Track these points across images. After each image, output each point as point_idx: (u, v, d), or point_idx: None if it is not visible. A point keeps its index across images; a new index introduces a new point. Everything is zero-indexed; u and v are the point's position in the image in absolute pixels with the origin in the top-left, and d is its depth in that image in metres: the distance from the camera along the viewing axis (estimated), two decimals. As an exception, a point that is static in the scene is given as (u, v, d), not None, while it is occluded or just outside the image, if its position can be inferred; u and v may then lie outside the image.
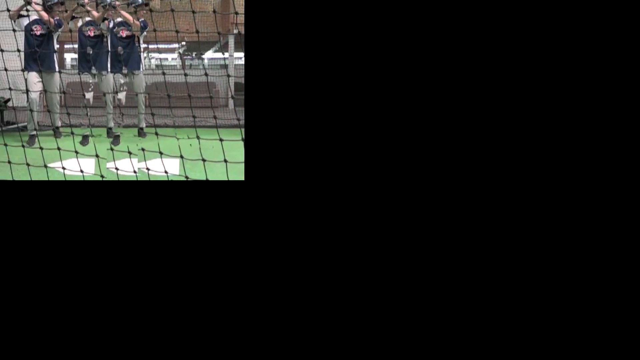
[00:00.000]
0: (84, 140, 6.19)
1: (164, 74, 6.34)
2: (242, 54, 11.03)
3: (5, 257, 3.37)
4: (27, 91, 6.61)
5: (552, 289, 3.07)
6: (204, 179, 4.19)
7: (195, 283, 3.24)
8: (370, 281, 3.13)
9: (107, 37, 7.51)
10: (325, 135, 3.13)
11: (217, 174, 4.12)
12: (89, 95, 7.61)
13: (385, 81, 3.09)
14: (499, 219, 3.08)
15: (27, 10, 6.71)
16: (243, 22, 3.32)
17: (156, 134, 4.67)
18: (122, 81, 7.60)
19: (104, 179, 4.49)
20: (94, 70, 7.55)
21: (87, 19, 7.57)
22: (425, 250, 3.10)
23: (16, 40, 5.67)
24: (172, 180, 4.39)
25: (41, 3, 7.27)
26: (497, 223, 3.08)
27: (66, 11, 7.45)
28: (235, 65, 11.32)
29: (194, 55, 12.21)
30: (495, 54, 3.03)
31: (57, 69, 7.31)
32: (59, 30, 7.32)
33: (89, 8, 7.42)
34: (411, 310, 3.08)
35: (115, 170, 4.72)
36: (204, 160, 4.13)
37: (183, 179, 4.25)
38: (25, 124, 7.46)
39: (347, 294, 3.13)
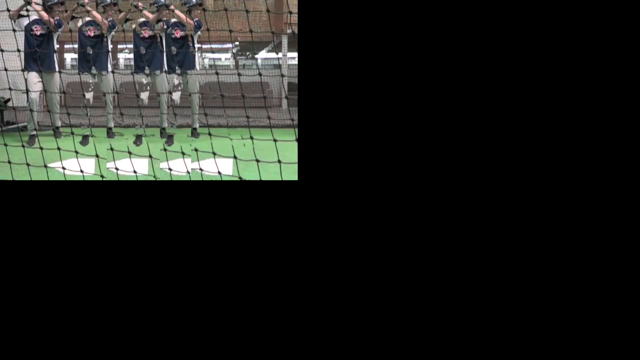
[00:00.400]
0: (84, 140, 6.18)
1: (217, 74, 6.40)
2: (295, 54, 11.04)
3: (5, 256, 3.36)
4: (27, 91, 6.59)
5: (554, 288, 3.07)
6: (258, 179, 4.19)
7: (247, 283, 3.22)
8: (428, 281, 3.11)
9: (160, 37, 7.48)
10: (378, 135, 3.11)
11: (270, 174, 4.13)
12: (89, 95, 7.60)
13: (439, 80, 3.07)
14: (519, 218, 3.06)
15: (27, 10, 6.70)
16: (296, 21, 3.32)
17: (209, 134, 4.67)
18: (176, 82, 7.56)
19: (104, 179, 4.49)
20: (94, 70, 7.53)
21: (87, 19, 7.55)
22: (479, 249, 3.07)
23: (16, 40, 5.67)
24: (225, 181, 4.41)
25: (41, 3, 7.26)
26: (519, 222, 3.07)
27: (66, 11, 7.43)
28: (288, 65, 11.30)
29: (247, 55, 12.21)
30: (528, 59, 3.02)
31: (57, 69, 7.30)
32: (59, 30, 7.30)
33: (89, 8, 7.40)
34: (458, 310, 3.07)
35: (115, 170, 4.72)
36: (257, 160, 4.17)
37: (236, 179, 4.22)
38: (25, 124, 7.45)
39: (402, 294, 3.11)
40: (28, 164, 4.51)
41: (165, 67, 7.47)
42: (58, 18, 7.24)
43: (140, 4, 7.52)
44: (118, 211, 3.46)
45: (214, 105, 6.95)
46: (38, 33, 7.23)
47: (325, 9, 3.12)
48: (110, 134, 7.76)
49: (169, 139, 7.02)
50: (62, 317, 3.27)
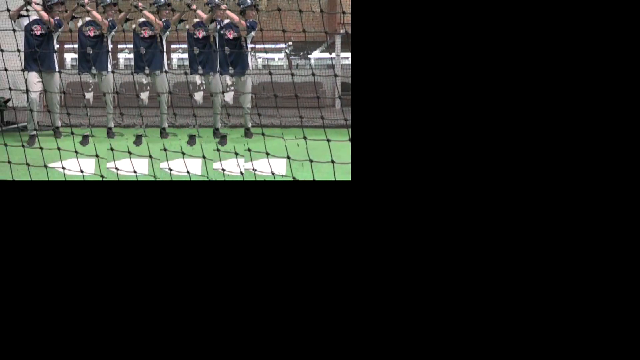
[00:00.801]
0: (84, 140, 6.20)
1: (270, 74, 6.45)
2: (349, 54, 11.16)
3: (5, 256, 3.37)
4: (27, 91, 6.60)
5: (575, 289, 3.05)
6: (311, 179, 4.20)
7: (299, 284, 3.20)
8: (483, 282, 3.08)
9: (214, 38, 7.47)
10: (433, 135, 3.09)
11: (323, 174, 4.14)
12: (89, 95, 7.61)
13: (495, 80, 3.06)
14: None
15: (27, 10, 6.71)
16: (350, 21, 3.33)
17: (263, 134, 4.69)
18: (229, 82, 7.56)
19: (104, 179, 4.50)
20: (94, 70, 7.54)
21: (87, 19, 7.56)
22: (535, 249, 3.05)
23: (16, 40, 5.67)
24: (278, 181, 4.43)
25: (41, 3, 7.27)
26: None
27: (66, 11, 7.45)
28: (342, 65, 11.39)
29: (300, 55, 12.27)
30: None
31: (57, 69, 7.32)
32: (59, 30, 7.32)
33: (89, 8, 7.41)
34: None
35: (115, 170, 4.73)
36: (311, 160, 4.17)
37: (290, 179, 4.25)
38: (25, 124, 7.47)
39: (458, 296, 3.09)
40: (28, 164, 4.51)
41: (218, 68, 7.47)
42: (58, 18, 7.25)
43: (140, 4, 7.52)
44: (118, 211, 3.47)
45: (267, 106, 7.01)
46: (38, 33, 7.25)
47: (379, 8, 3.11)
48: (110, 134, 7.78)
49: (222, 139, 7.02)
50: (63, 317, 3.28)
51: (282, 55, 12.05)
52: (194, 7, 7.44)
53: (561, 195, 3.05)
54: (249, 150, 4.62)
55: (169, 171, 4.75)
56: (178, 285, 3.30)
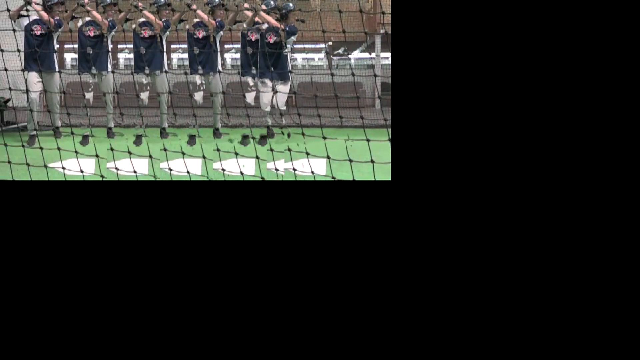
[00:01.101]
0: (84, 140, 6.20)
1: (310, 74, 6.42)
2: (388, 54, 11.16)
3: (5, 256, 3.37)
4: (27, 91, 6.61)
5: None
6: (351, 179, 4.21)
7: (338, 284, 3.18)
8: (524, 282, 3.06)
9: (258, 39, 7.42)
10: (473, 135, 3.07)
11: (363, 174, 4.14)
12: (89, 95, 7.61)
13: (536, 80, 3.03)
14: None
15: (27, 10, 6.71)
16: (390, 22, 3.34)
17: (303, 134, 4.71)
18: (250, 83, 7.52)
19: (104, 179, 4.50)
20: (94, 70, 7.54)
21: (87, 19, 7.56)
22: (591, 250, 3.02)
23: (16, 40, 5.67)
24: (318, 181, 4.43)
25: (41, 3, 7.27)
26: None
27: (66, 11, 7.45)
28: (382, 65, 11.40)
29: (341, 54, 12.29)
30: None
31: (57, 69, 7.31)
32: (59, 30, 7.31)
33: (89, 8, 7.41)
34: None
35: (115, 170, 4.73)
36: (350, 160, 4.16)
37: (330, 179, 4.26)
38: (25, 124, 7.47)
39: (498, 296, 3.06)
40: (28, 164, 4.51)
41: (254, 70, 7.42)
42: (58, 18, 7.25)
43: (140, 4, 7.51)
44: (118, 211, 3.47)
45: (307, 105, 7.00)
46: (38, 33, 7.25)
47: (419, 8, 3.10)
48: (110, 134, 7.78)
49: (262, 140, 6.97)
50: (63, 317, 3.28)
51: (322, 55, 12.09)
52: (194, 7, 7.43)
53: (599, 201, 3.01)
54: (289, 149, 4.63)
55: (169, 171, 4.75)
56: (178, 285, 3.30)
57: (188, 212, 3.46)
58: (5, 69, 5.42)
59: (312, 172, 4.61)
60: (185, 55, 8.31)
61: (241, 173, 4.80)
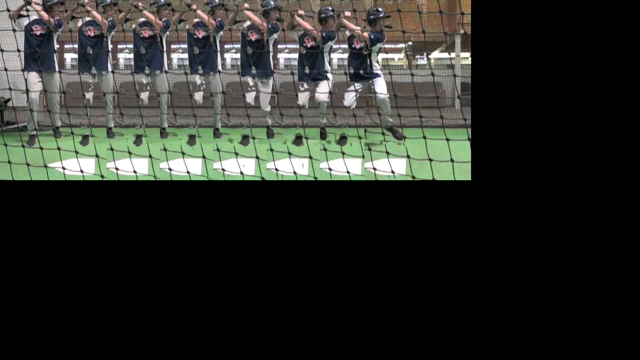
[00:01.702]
0: (84, 140, 6.19)
1: (390, 73, 6.43)
2: (468, 54, 11.18)
3: (5, 256, 3.36)
4: (27, 91, 6.60)
5: None
6: (431, 178, 4.21)
7: (410, 283, 3.15)
8: (605, 283, 3.01)
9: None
10: (554, 136, 3.04)
11: (443, 174, 4.15)
12: (89, 95, 7.60)
13: (615, 80, 3.01)
14: None
15: (27, 10, 6.71)
16: (469, 22, 3.34)
17: (383, 133, 4.80)
18: (305, 86, 7.48)
19: (104, 179, 4.50)
20: (94, 70, 7.54)
21: (87, 19, 7.55)
22: None
23: (16, 40, 5.67)
24: (398, 180, 4.45)
25: (41, 3, 7.26)
26: None
27: (66, 11, 7.44)
28: (461, 65, 11.39)
29: (420, 55, 12.31)
30: None
31: (57, 69, 7.31)
32: (59, 30, 7.31)
33: (89, 8, 7.40)
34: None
35: (115, 170, 4.73)
36: (430, 160, 4.18)
37: (410, 178, 4.28)
38: (25, 124, 7.46)
39: (583, 296, 3.01)
40: (28, 164, 4.51)
41: (254, 70, 7.37)
42: (58, 18, 7.25)
43: (140, 4, 7.50)
44: (118, 211, 3.46)
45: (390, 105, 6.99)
46: (38, 33, 7.24)
47: (499, 9, 3.10)
48: (110, 134, 7.77)
49: (342, 140, 6.93)
50: (63, 316, 3.27)
51: (401, 55, 12.08)
52: (194, 7, 7.42)
53: None
54: (369, 149, 4.63)
55: (169, 171, 4.75)
56: (178, 285, 3.29)
57: (188, 212, 3.46)
58: (5, 69, 5.42)
59: (393, 172, 4.64)
60: (185, 55, 8.29)
61: (241, 173, 4.80)
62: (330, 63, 7.72)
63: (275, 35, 7.43)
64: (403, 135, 7.01)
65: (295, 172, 4.75)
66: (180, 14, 7.51)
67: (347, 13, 7.26)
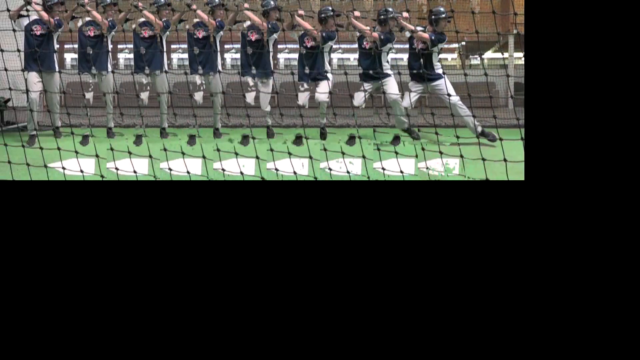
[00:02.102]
0: (84, 140, 6.20)
1: (444, 73, 6.39)
2: (521, 54, 11.25)
3: (5, 256, 3.37)
4: (27, 91, 6.60)
5: None
6: (484, 178, 4.22)
7: (465, 284, 3.11)
8: None
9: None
10: (608, 136, 3.02)
11: (496, 174, 4.16)
12: (89, 95, 7.61)
13: None
14: None
15: (27, 10, 6.71)
16: (523, 22, 3.35)
17: (436, 133, 4.73)
18: (305, 86, 7.47)
19: (104, 179, 4.50)
20: (94, 70, 7.54)
21: (87, 19, 7.56)
22: None
23: (16, 40, 5.67)
24: (452, 181, 4.50)
25: (41, 3, 7.27)
26: None
27: (66, 11, 7.44)
28: (514, 65, 11.40)
29: (474, 55, 12.33)
30: None
31: (57, 69, 7.31)
32: (59, 30, 7.31)
33: (89, 8, 7.41)
34: None
35: (115, 170, 4.73)
36: (483, 159, 4.19)
37: (462, 178, 4.33)
38: (25, 124, 7.46)
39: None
40: (28, 164, 4.51)
41: (254, 70, 7.36)
42: (58, 18, 7.25)
43: (140, 4, 7.50)
44: (118, 211, 3.46)
45: (439, 106, 6.99)
46: (38, 33, 7.24)
47: (552, 9, 3.09)
48: (110, 134, 7.78)
49: (395, 140, 6.91)
50: (63, 316, 3.28)
51: (454, 55, 12.10)
52: (194, 7, 7.42)
53: None
54: (423, 149, 4.67)
55: (169, 171, 4.75)
56: (178, 285, 3.30)
57: (188, 212, 3.46)
58: (5, 69, 5.42)
59: (442, 172, 4.69)
60: (185, 55, 8.30)
61: (241, 173, 4.80)
62: (330, 63, 7.70)
63: (275, 35, 7.42)
64: (419, 136, 7.02)
65: (295, 172, 4.75)
66: (180, 14, 7.51)
67: (357, 13, 7.24)
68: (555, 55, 3.09)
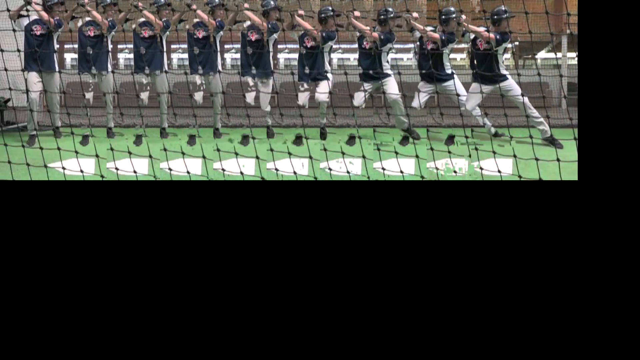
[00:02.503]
0: (84, 140, 6.19)
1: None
2: (574, 54, 11.16)
3: (5, 256, 3.36)
4: (27, 91, 6.60)
5: None
6: (537, 178, 4.24)
7: (516, 285, 3.10)
8: None
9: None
10: None
11: (549, 173, 4.20)
12: (89, 95, 7.60)
13: None
14: None
15: (27, 10, 6.71)
16: (576, 22, 3.36)
17: (496, 134, 4.76)
18: (305, 86, 7.46)
19: (104, 179, 4.50)
20: (94, 70, 7.54)
21: (87, 19, 7.55)
22: None
23: (16, 40, 5.67)
24: (505, 181, 4.49)
25: (41, 3, 7.26)
26: None
27: (66, 11, 7.44)
28: (568, 65, 11.39)
29: (527, 55, 12.34)
30: None
31: (57, 69, 7.31)
32: (59, 30, 7.31)
33: (89, 8, 7.40)
34: None
35: (115, 170, 4.73)
36: (536, 159, 4.22)
37: (516, 178, 4.32)
38: (25, 124, 7.46)
39: None
40: (28, 164, 4.51)
41: (254, 70, 7.35)
42: (58, 18, 7.25)
43: (140, 4, 7.50)
44: (118, 211, 3.46)
45: (495, 106, 6.95)
46: (38, 33, 7.24)
47: (605, 9, 3.09)
48: (110, 134, 7.78)
49: (404, 140, 6.89)
50: (63, 315, 3.28)
51: (509, 55, 12.12)
52: (194, 7, 7.42)
53: None
54: (476, 149, 4.70)
55: (169, 171, 4.75)
56: (178, 284, 3.29)
57: (188, 212, 3.46)
58: (5, 69, 5.42)
59: (499, 171, 4.67)
60: (185, 55, 8.29)
61: (241, 173, 4.80)
62: (330, 63, 7.70)
63: (275, 35, 7.41)
64: (419, 135, 6.98)
65: (295, 172, 4.75)
66: (180, 14, 7.50)
67: (357, 13, 7.22)
68: (608, 55, 3.09)
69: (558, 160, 4.07)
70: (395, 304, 3.10)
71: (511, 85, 6.71)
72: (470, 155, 4.81)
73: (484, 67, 6.79)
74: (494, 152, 4.60)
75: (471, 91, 6.87)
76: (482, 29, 6.95)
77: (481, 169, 4.72)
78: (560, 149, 6.03)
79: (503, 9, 6.94)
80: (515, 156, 4.49)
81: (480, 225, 3.28)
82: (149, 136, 6.41)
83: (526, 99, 6.60)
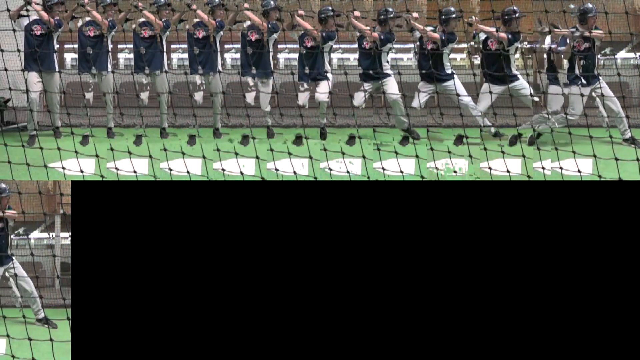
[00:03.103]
0: (84, 140, 6.19)
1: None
2: None
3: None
4: (27, 91, 6.60)
5: None
6: (617, 178, 4.24)
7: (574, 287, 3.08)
8: None
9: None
10: None
11: (629, 174, 4.22)
12: (89, 95, 7.59)
13: None
14: None
15: (27, 10, 6.70)
16: None
17: (569, 133, 4.82)
18: (305, 86, 7.43)
19: (104, 179, 4.49)
20: (94, 70, 7.53)
21: (87, 19, 7.55)
22: None
23: (16, 40, 5.67)
24: (585, 181, 4.49)
25: (41, 3, 7.26)
26: None
27: (66, 11, 7.43)
28: None
29: (607, 54, 12.33)
30: None
31: (57, 69, 7.30)
32: (59, 30, 7.30)
33: (89, 8, 7.40)
34: None
35: (115, 170, 4.72)
36: (616, 159, 4.24)
37: (596, 178, 4.36)
38: (25, 124, 7.45)
39: None
40: (28, 164, 4.51)
41: (254, 70, 7.34)
42: (58, 18, 7.24)
43: (140, 4, 7.50)
44: (118, 211, 3.46)
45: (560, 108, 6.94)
46: (38, 33, 7.23)
47: None
48: (110, 134, 7.77)
49: (404, 140, 6.87)
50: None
51: None
52: (194, 7, 7.41)
53: None
54: (538, 149, 4.72)
55: (169, 171, 4.75)
56: (178, 284, 3.29)
57: (188, 212, 3.46)
58: (5, 69, 5.42)
59: (579, 171, 4.65)
60: (185, 55, 8.27)
61: (241, 173, 4.80)
62: (330, 63, 7.69)
63: (275, 35, 7.41)
64: (419, 136, 6.95)
65: (295, 172, 4.74)
66: (180, 14, 7.50)
67: (357, 13, 7.21)
68: None
69: (638, 160, 4.11)
70: (395, 304, 3.10)
71: (522, 84, 6.70)
72: (524, 156, 4.80)
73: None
74: (575, 152, 4.63)
75: (482, 92, 6.82)
76: (493, 29, 6.88)
77: (561, 168, 4.70)
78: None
79: (514, 8, 6.91)
80: (594, 156, 4.49)
81: (480, 225, 3.27)
82: (149, 136, 6.40)
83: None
